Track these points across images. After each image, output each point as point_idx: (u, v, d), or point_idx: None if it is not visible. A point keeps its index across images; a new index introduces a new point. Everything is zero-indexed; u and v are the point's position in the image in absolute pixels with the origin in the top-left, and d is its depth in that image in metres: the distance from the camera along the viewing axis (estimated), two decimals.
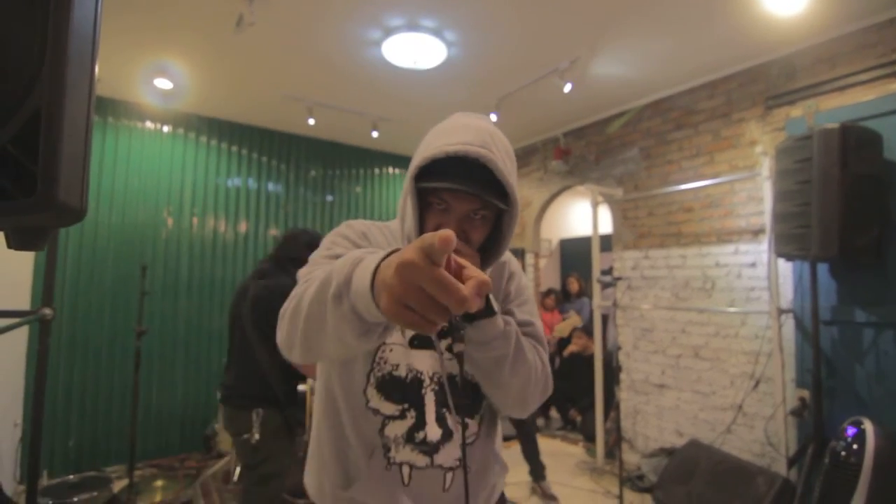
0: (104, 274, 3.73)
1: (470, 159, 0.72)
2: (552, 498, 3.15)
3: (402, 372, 0.86)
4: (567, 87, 3.18)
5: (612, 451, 3.90)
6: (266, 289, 2.04)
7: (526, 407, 0.87)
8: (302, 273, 0.78)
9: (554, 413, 5.10)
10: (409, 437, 0.85)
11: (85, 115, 0.35)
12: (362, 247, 0.82)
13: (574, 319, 3.27)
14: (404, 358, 0.87)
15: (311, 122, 3.90)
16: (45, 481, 3.11)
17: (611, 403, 3.96)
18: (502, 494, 1.01)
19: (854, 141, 2.30)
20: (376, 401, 0.85)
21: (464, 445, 0.78)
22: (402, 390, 0.86)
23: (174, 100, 3.81)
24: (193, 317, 4.08)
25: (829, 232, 2.30)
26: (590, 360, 4.37)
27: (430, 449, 0.86)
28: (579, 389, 4.65)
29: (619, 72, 3.29)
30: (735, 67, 3.20)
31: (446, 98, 3.72)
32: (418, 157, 0.77)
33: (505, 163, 0.76)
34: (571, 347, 4.41)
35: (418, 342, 0.87)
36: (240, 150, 4.42)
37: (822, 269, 2.67)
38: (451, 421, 0.87)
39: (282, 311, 0.72)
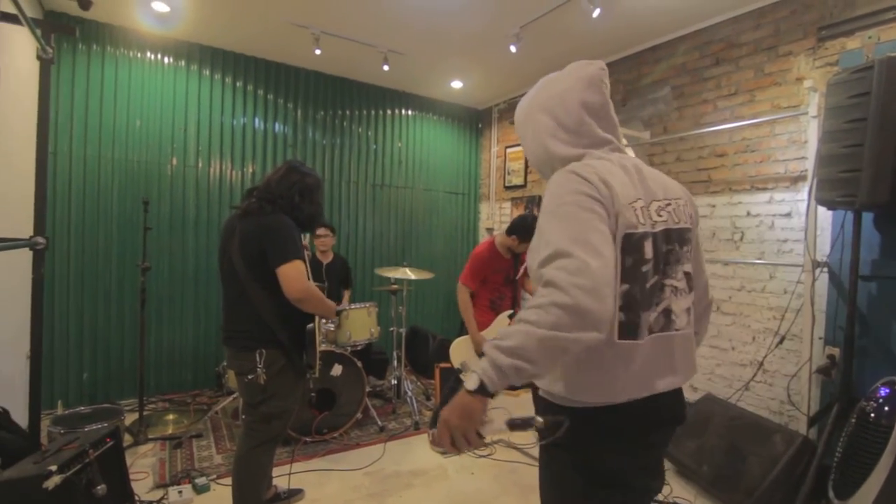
0: (109, 210, 3.67)
1: None
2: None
3: None
4: (595, 13, 2.87)
5: None
6: (257, 228, 1.92)
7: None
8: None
9: None
10: None
11: None
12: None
13: None
14: None
15: (318, 52, 3.65)
16: (59, 411, 3.18)
17: None
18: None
19: None
20: None
21: None
22: None
23: (171, 23, 3.57)
24: (202, 255, 4.03)
25: (881, 176, 2.05)
26: None
27: None
28: None
29: None
30: None
31: (462, 26, 3.42)
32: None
33: None
34: None
35: None
36: (245, 86, 4.20)
37: (866, 220, 2.44)
38: None
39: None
